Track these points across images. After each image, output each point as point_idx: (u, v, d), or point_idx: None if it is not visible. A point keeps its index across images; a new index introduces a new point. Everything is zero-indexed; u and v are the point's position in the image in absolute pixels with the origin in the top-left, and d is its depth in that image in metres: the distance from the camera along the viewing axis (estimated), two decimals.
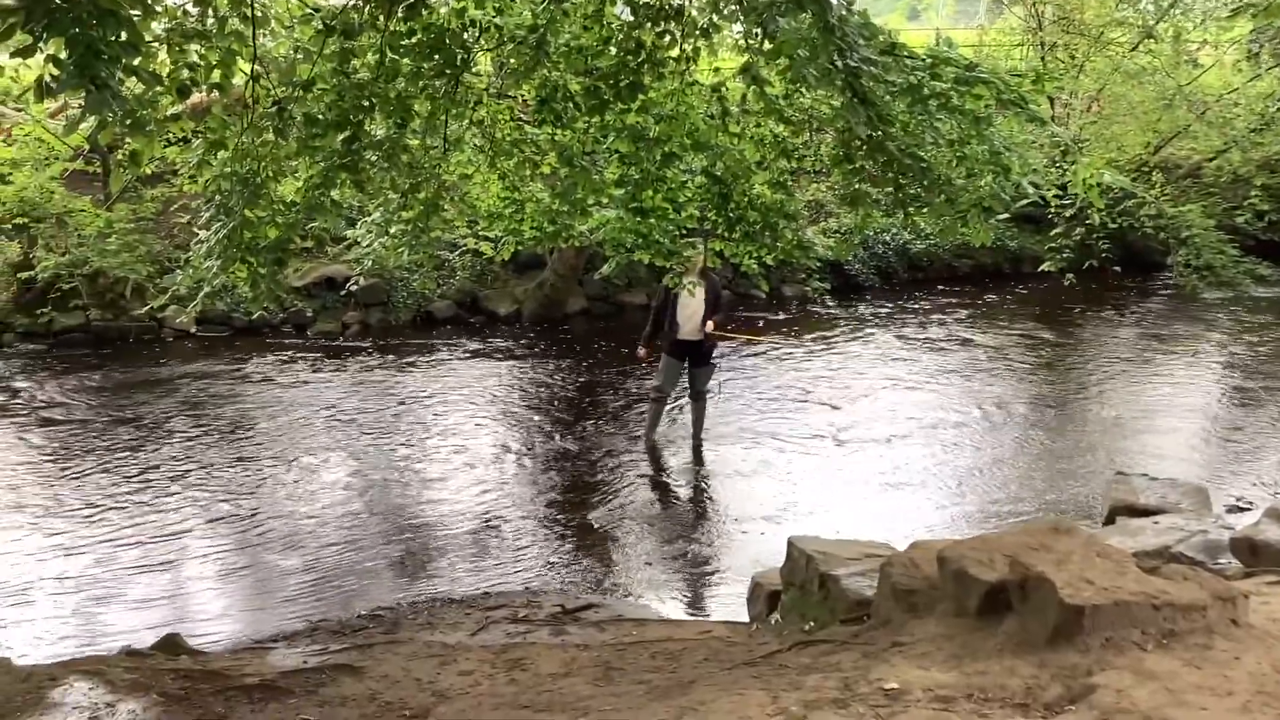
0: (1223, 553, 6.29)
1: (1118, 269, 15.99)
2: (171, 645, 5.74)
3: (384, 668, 4.84)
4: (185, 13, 4.89)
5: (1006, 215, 6.31)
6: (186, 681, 4.59)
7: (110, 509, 8.60)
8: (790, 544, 5.87)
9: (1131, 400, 11.83)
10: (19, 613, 6.95)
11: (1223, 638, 3.35)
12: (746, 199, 6.92)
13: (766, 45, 4.69)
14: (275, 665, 5.07)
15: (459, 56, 5.65)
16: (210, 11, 4.92)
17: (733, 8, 5.26)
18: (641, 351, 10.24)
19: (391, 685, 4.57)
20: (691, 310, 9.81)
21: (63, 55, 3.39)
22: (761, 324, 14.87)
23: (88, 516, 8.45)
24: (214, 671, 4.84)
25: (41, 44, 3.49)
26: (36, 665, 5.08)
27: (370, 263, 8.24)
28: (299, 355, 13.68)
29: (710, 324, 9.72)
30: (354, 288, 14.30)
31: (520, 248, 8.44)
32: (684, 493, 9.37)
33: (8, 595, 7.16)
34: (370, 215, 7.46)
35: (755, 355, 13.37)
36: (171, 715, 4.14)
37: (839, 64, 4.46)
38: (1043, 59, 18.07)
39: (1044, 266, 14.88)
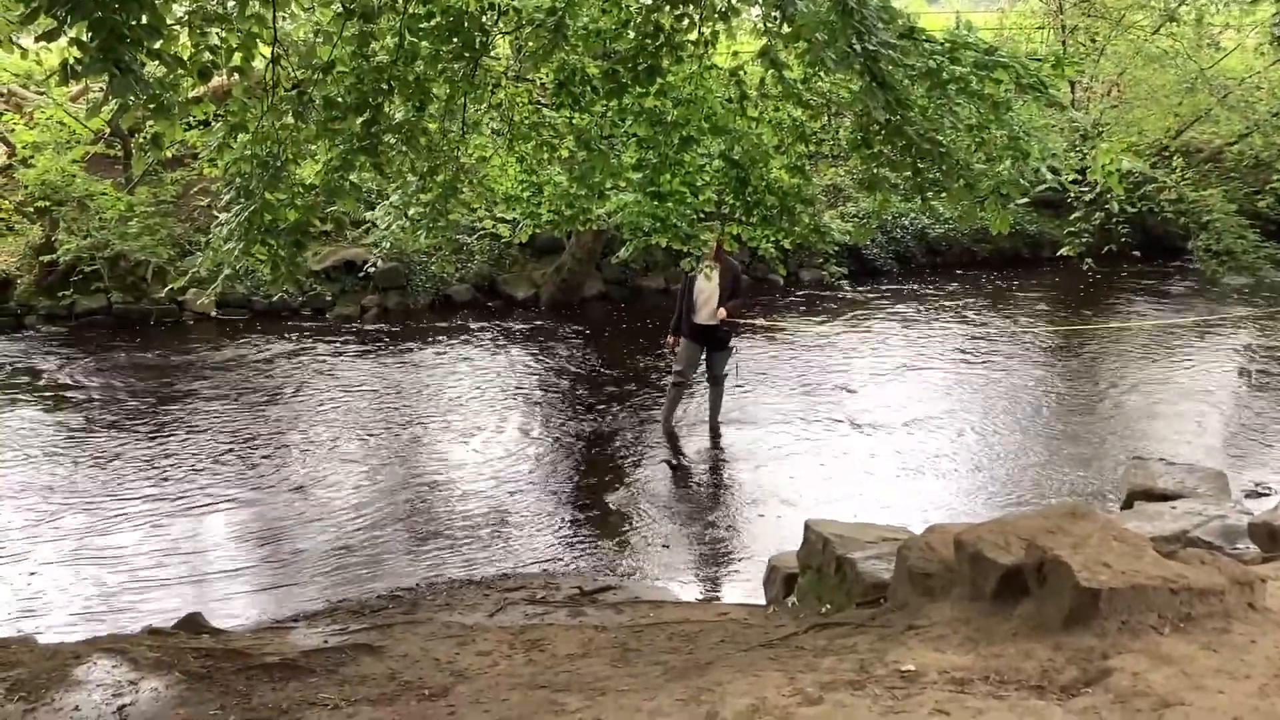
0: (1241, 538, 6.28)
1: (1137, 254, 15.91)
2: (193, 624, 5.80)
3: (403, 647, 4.88)
4: None
5: (1025, 200, 6.27)
6: (208, 660, 4.64)
7: (131, 490, 8.67)
8: (807, 527, 5.88)
9: (1150, 385, 11.78)
10: (43, 592, 7.02)
11: (1240, 622, 3.35)
12: (764, 183, 6.92)
13: (785, 28, 4.69)
14: (296, 644, 5.12)
15: (477, 39, 5.66)
16: None
17: None
18: (670, 340, 10.21)
19: (411, 665, 4.60)
20: (706, 295, 9.78)
21: (86, 39, 3.41)
22: (776, 317, 14.85)
23: (109, 497, 8.53)
24: (235, 650, 4.88)
25: (65, 28, 3.52)
26: (61, 643, 5.15)
27: (388, 245, 8.28)
28: (318, 338, 13.74)
29: (723, 310, 9.68)
30: (372, 269, 14.36)
31: (538, 230, 8.47)
32: (701, 476, 9.39)
33: (31, 574, 7.24)
34: (389, 198, 7.49)
35: (773, 340, 13.36)
36: (194, 693, 4.19)
37: (857, 47, 4.45)
38: (1063, 42, 17.95)
39: (1063, 251, 14.81)
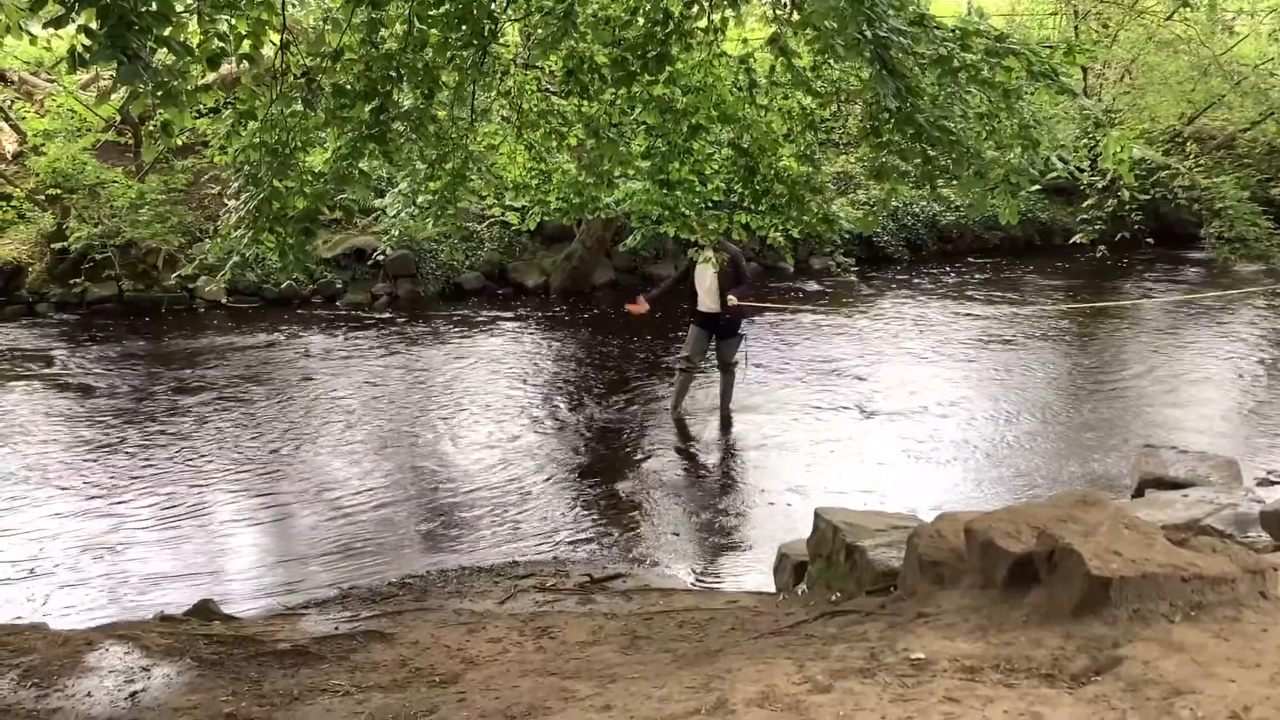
0: (1253, 526, 6.27)
1: (1150, 241, 15.84)
2: (205, 611, 5.82)
3: (414, 634, 4.89)
4: None
5: (1037, 187, 6.23)
6: (220, 646, 4.66)
7: (143, 477, 8.70)
8: (817, 515, 5.88)
9: (1162, 373, 11.74)
10: (56, 579, 7.05)
11: (1251, 610, 3.34)
12: (773, 171, 6.88)
13: (794, 16, 4.66)
14: (307, 631, 5.13)
15: (486, 27, 5.64)
16: None
17: None
18: (637, 304, 10.27)
19: (421, 651, 4.62)
20: (709, 282, 9.77)
21: (94, 26, 3.41)
22: (789, 296, 14.83)
23: (121, 484, 8.56)
24: (247, 637, 4.90)
25: (74, 14, 3.52)
26: (73, 630, 5.17)
27: (397, 233, 8.27)
28: (329, 326, 13.76)
29: (732, 298, 9.67)
30: (381, 258, 14.37)
31: (546, 219, 8.46)
32: (711, 464, 9.39)
33: (44, 561, 7.27)
34: (398, 186, 7.48)
35: (783, 327, 13.35)
36: (205, 679, 4.21)
37: (868, 34, 4.42)
38: (1075, 28, 17.86)
39: (1075, 238, 14.69)
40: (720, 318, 9.85)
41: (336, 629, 5.14)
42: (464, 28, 5.57)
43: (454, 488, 8.68)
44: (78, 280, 14.20)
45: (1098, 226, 13.84)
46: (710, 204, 7.70)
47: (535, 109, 6.80)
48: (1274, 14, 18.33)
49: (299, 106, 5.41)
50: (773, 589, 6.29)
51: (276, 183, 5.57)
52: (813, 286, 16.04)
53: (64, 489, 8.50)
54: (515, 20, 6.24)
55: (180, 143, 13.01)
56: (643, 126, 6.76)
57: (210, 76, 5.05)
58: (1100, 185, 13.55)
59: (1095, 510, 3.79)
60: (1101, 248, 13.87)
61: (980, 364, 12.07)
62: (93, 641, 4.60)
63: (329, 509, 8.19)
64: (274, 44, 5.31)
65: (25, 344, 12.75)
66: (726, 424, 10.05)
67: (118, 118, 14.89)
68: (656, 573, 7.16)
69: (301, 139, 5.65)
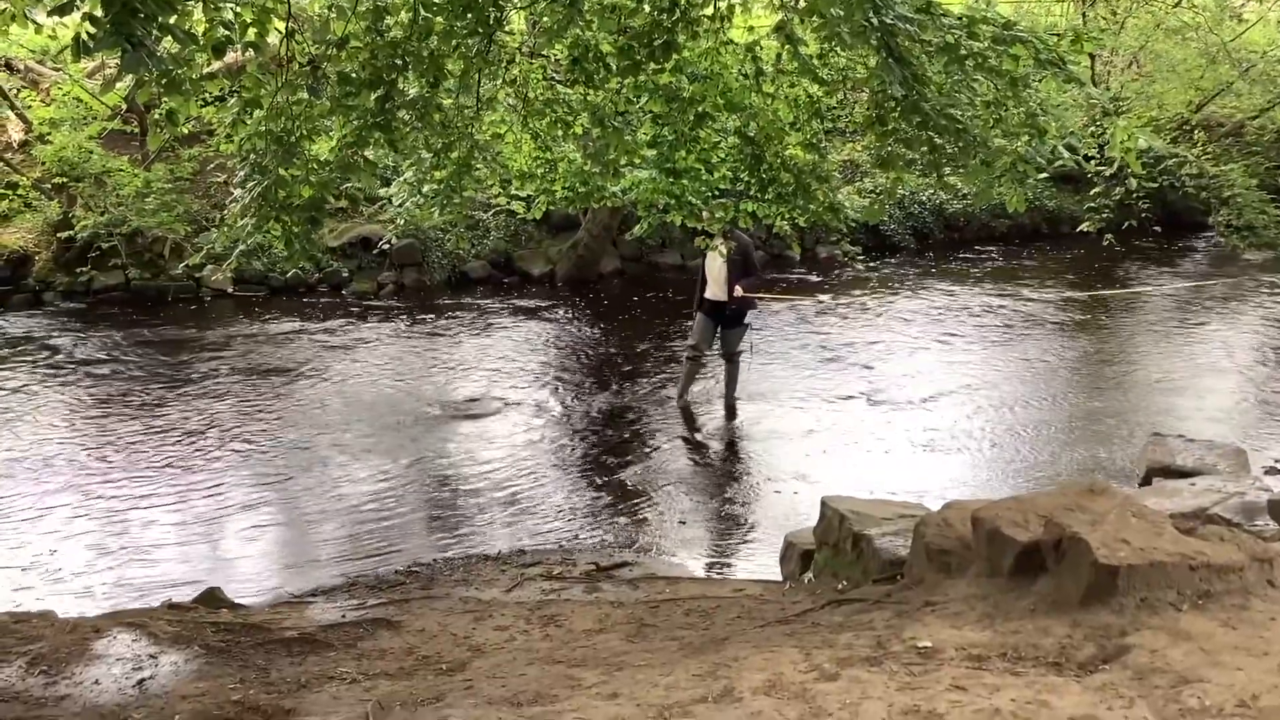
0: (1260, 514, 6.26)
1: (1158, 229, 15.80)
2: (212, 599, 5.83)
3: (421, 622, 4.90)
4: None
5: (1044, 175, 6.22)
6: (227, 634, 4.67)
7: (150, 465, 8.72)
8: (824, 504, 5.87)
9: (1169, 361, 11.72)
10: (63, 566, 7.07)
11: (1259, 599, 3.33)
12: (779, 160, 6.87)
13: (801, 3, 4.65)
14: (314, 619, 5.14)
15: (492, 15, 5.63)
16: None
17: None
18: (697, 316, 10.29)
19: (428, 639, 4.63)
20: (716, 270, 9.78)
21: (99, 13, 3.40)
22: (786, 287, 14.81)
23: (128, 472, 8.57)
24: (254, 625, 4.91)
25: (78, 2, 3.50)
26: (81, 617, 5.19)
27: (403, 222, 8.24)
28: (335, 315, 13.77)
29: (739, 288, 9.66)
30: (386, 246, 14.36)
31: (552, 207, 8.45)
32: (717, 452, 9.38)
33: (52, 549, 7.29)
34: (404, 174, 7.47)
35: (789, 316, 13.32)
36: (213, 667, 4.22)
37: (874, 22, 4.41)
38: (1083, 16, 17.79)
39: (1083, 227, 14.68)
40: (726, 307, 9.85)
41: (344, 617, 5.15)
42: (469, 16, 5.56)
43: (461, 476, 8.69)
44: (84, 269, 14.20)
45: (1105, 215, 13.83)
46: (717, 192, 7.67)
47: (541, 97, 6.79)
48: None
49: (304, 95, 5.40)
50: (779, 577, 6.29)
51: (282, 171, 5.57)
52: (819, 275, 16.01)
53: (70, 477, 8.51)
54: (521, 8, 6.22)
55: (186, 131, 13.00)
56: (649, 115, 6.75)
57: (215, 65, 5.04)
58: (1107, 173, 13.52)
59: (1102, 499, 3.78)
60: (1109, 236, 13.86)
61: (987, 352, 12.05)
62: (100, 629, 4.61)
63: (335, 497, 8.20)
64: (279, 32, 5.31)
65: (32, 333, 12.76)
66: (732, 413, 10.04)
67: (124, 106, 14.88)
68: (663, 561, 7.16)
69: (307, 127, 5.64)
